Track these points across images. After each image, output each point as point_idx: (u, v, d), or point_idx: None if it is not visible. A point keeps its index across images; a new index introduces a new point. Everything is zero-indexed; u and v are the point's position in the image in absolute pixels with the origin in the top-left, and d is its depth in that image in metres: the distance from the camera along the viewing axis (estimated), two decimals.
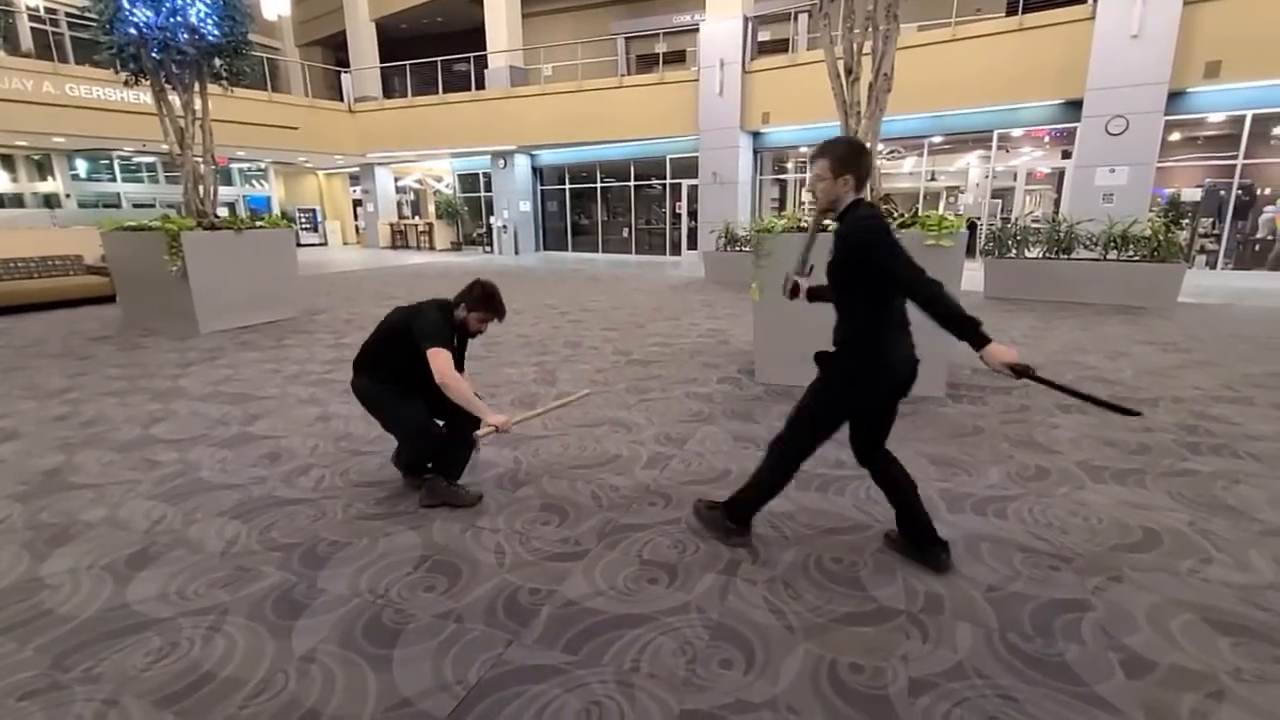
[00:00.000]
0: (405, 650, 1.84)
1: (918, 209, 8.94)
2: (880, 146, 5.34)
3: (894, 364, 2.01)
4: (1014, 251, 8.82)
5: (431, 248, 21.49)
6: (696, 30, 14.40)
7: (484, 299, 2.58)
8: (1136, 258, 8.08)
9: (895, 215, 4.29)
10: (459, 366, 2.65)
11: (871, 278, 1.92)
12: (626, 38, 18.27)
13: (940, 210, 14.77)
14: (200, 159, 6.98)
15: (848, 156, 2.00)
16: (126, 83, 6.85)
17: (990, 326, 1.73)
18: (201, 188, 7.02)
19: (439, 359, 2.43)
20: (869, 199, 1.99)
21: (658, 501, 2.78)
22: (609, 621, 1.97)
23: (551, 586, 2.15)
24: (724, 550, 2.36)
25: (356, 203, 23.65)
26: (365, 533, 2.52)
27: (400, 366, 2.58)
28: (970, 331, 1.74)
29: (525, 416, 2.81)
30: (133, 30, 6.30)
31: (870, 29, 4.44)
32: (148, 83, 6.74)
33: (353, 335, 6.38)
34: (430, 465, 2.76)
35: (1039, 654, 1.80)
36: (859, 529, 2.51)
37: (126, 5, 6.22)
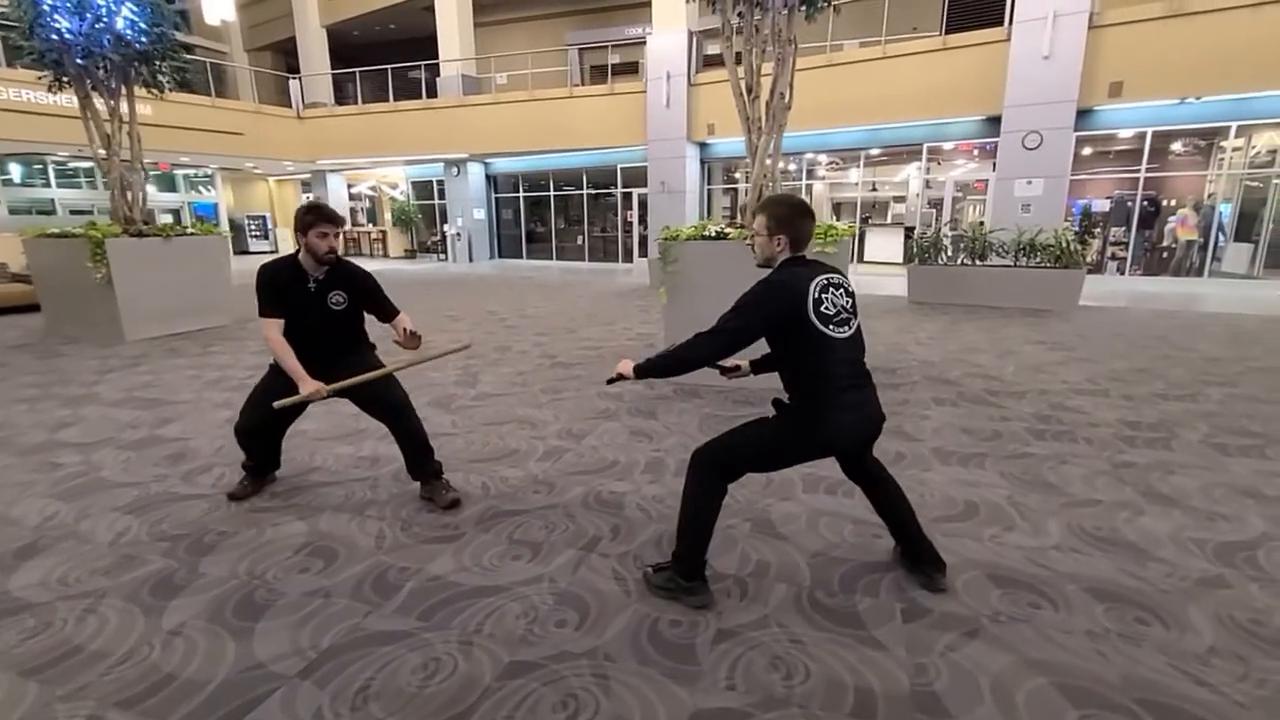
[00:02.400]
0: (269, 623, 2.00)
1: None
2: (799, 160, 5.64)
3: (825, 424, 1.93)
4: (934, 258, 9.34)
5: (385, 255, 21.36)
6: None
7: (304, 216, 2.59)
8: (1044, 264, 8.66)
9: None
10: (366, 304, 2.77)
11: (777, 337, 1.95)
12: (580, 49, 18.57)
13: (887, 218, 15.55)
14: (127, 165, 6.95)
15: (784, 217, 1.96)
16: (50, 88, 6.79)
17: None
18: (129, 194, 6.98)
19: (263, 329, 2.62)
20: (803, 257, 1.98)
21: (541, 490, 2.98)
22: (466, 593, 2.16)
23: (420, 565, 2.33)
24: (588, 528, 2.58)
25: None
26: (254, 523, 2.66)
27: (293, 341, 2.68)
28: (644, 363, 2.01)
29: (356, 381, 2.61)
30: (54, 36, 6.27)
31: (770, 50, 4.77)
32: (73, 88, 6.70)
33: None
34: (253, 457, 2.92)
35: (836, 606, 2.06)
36: None
37: (48, 12, 6.19)
